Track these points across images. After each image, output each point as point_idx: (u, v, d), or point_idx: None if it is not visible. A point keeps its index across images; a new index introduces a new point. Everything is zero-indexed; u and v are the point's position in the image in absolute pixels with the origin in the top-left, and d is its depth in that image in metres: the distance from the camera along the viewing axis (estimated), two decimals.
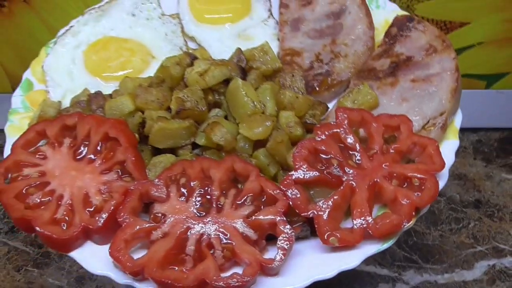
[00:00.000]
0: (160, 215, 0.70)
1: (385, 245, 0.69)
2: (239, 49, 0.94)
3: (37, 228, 0.70)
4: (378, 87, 0.88)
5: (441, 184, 0.73)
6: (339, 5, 1.02)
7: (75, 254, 0.70)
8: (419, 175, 0.71)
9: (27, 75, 1.00)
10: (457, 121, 0.83)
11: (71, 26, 1.06)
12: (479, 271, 1.17)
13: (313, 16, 1.03)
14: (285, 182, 0.70)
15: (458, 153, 1.39)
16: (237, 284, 0.61)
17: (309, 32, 1.01)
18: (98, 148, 0.78)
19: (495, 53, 1.36)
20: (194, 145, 0.83)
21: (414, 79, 0.86)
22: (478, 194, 1.32)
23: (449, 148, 0.79)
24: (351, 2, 1.01)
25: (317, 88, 0.92)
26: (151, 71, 0.97)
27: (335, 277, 1.13)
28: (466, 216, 1.27)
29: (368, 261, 1.17)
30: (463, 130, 1.44)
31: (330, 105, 0.91)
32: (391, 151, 0.74)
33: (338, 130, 0.75)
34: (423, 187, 0.70)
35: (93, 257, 0.70)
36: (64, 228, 0.71)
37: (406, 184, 0.72)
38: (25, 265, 1.22)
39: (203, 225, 0.68)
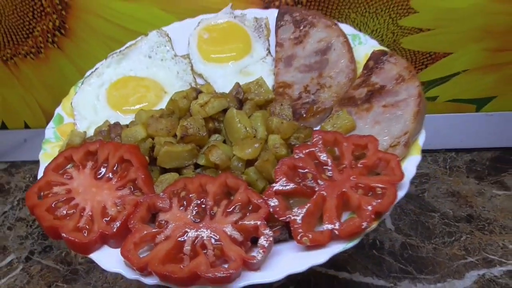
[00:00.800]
0: (163, 222, 0.83)
1: (350, 244, 0.79)
2: (237, 83, 1.07)
3: (63, 235, 0.83)
4: (355, 113, 1.00)
5: (402, 192, 0.84)
6: (325, 43, 1.14)
7: (94, 256, 0.83)
8: (381, 185, 0.82)
9: (59, 110, 1.14)
10: (421, 139, 0.93)
11: (96, 68, 1.20)
12: (470, 280, 1.23)
13: (304, 53, 1.15)
14: (267, 193, 0.83)
15: (452, 172, 1.50)
16: (223, 275, 0.74)
17: (299, 67, 1.13)
18: (115, 168, 0.91)
19: (480, 79, 1.45)
20: (197, 165, 0.96)
21: (385, 105, 0.98)
22: (470, 210, 1.39)
23: (411, 162, 0.90)
24: (335, 40, 1.13)
25: (304, 115, 1.04)
26: (163, 104, 1.10)
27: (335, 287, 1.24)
28: (459, 230, 1.34)
29: (366, 273, 1.28)
30: (457, 151, 1.56)
31: (316, 129, 1.04)
32: (359, 165, 0.86)
33: (314, 149, 0.88)
34: (384, 195, 0.82)
35: (108, 258, 0.83)
36: (85, 234, 0.84)
37: (371, 193, 0.83)
38: (56, 281, 1.33)
39: (198, 230, 0.81)
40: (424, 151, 1.56)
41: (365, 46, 1.14)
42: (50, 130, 1.10)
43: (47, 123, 1.13)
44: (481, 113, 1.54)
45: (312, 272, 1.28)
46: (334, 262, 1.29)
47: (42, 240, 1.45)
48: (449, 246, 1.32)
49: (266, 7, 1.35)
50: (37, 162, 1.04)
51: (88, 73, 1.20)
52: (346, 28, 1.18)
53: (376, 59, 1.07)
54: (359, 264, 1.29)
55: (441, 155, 1.56)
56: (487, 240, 1.32)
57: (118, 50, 1.24)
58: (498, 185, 1.46)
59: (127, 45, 1.26)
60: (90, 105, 1.14)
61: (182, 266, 0.77)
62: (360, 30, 1.32)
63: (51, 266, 1.37)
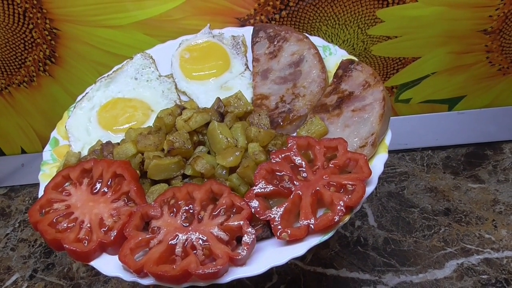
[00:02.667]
0: (156, 228, 0.90)
1: (326, 237, 0.87)
2: (218, 98, 1.14)
3: (66, 246, 0.89)
4: (327, 118, 1.08)
5: (371, 188, 0.92)
6: (298, 55, 1.22)
7: (94, 263, 0.90)
8: (351, 182, 0.90)
9: (54, 134, 1.20)
10: (387, 139, 1.01)
11: (87, 93, 1.26)
12: (449, 269, 1.31)
13: (279, 67, 1.22)
14: (248, 195, 0.91)
15: (429, 169, 1.59)
16: (212, 271, 0.81)
17: (275, 80, 1.20)
18: (109, 183, 0.98)
19: (449, 80, 1.54)
20: (184, 176, 1.03)
21: (354, 109, 1.05)
22: (447, 203, 1.47)
23: (379, 160, 0.97)
24: (307, 52, 1.21)
25: (281, 123, 1.11)
26: (151, 122, 1.17)
27: (323, 284, 1.32)
28: (437, 223, 1.42)
29: (352, 268, 1.35)
30: (433, 149, 1.64)
31: (293, 135, 1.12)
32: (331, 166, 0.94)
33: (289, 153, 0.96)
34: (354, 191, 0.90)
35: (107, 264, 0.89)
36: (85, 244, 0.90)
37: (342, 190, 0.91)
38: None
39: (187, 233, 0.88)
40: (402, 151, 1.67)
41: (335, 56, 1.22)
42: (47, 153, 1.16)
43: (43, 147, 1.18)
44: (453, 112, 1.63)
45: (301, 270, 1.35)
46: (322, 260, 1.38)
47: (45, 258, 1.51)
48: (429, 239, 1.39)
49: (242, 25, 1.44)
50: (35, 185, 1.11)
51: (79, 97, 1.27)
52: (317, 40, 1.26)
53: (344, 67, 1.15)
54: (345, 261, 1.37)
55: (418, 154, 1.65)
56: (464, 231, 1.40)
57: (106, 74, 1.30)
58: (473, 179, 1.54)
59: (114, 69, 1.32)
60: (83, 127, 1.20)
61: (174, 266, 0.84)
62: (331, 41, 1.42)
63: (55, 282, 1.44)
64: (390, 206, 1.49)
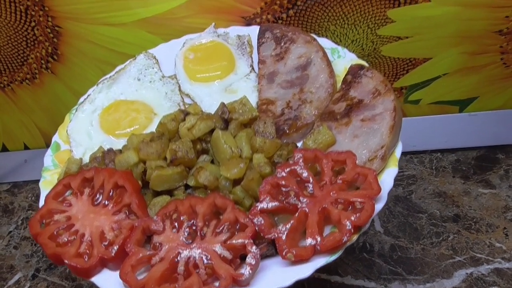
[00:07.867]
0: (158, 244, 0.88)
1: (333, 258, 0.84)
2: (222, 103, 1.10)
3: (66, 261, 0.88)
4: (335, 127, 1.04)
5: (380, 205, 0.88)
6: (305, 58, 1.18)
7: (95, 279, 0.88)
8: (359, 199, 0.87)
9: (55, 138, 1.17)
10: (397, 152, 0.97)
11: (89, 95, 1.23)
12: (458, 279, 1.28)
13: (285, 69, 1.18)
14: (253, 212, 0.88)
15: (438, 173, 1.55)
16: None
17: (281, 83, 1.17)
18: (110, 194, 0.95)
19: (461, 81, 1.50)
20: (187, 186, 1.00)
21: (363, 119, 1.02)
22: (456, 209, 1.44)
23: (389, 175, 0.94)
24: (315, 55, 1.17)
25: (287, 131, 1.08)
26: (153, 126, 1.14)
27: None
28: (446, 230, 1.39)
29: (357, 275, 1.33)
30: (443, 151, 1.60)
31: (299, 144, 1.07)
32: (339, 181, 0.91)
33: (295, 167, 0.93)
34: (362, 209, 0.87)
35: (108, 281, 0.87)
36: (86, 259, 0.88)
37: (350, 207, 0.88)
38: None
39: (190, 250, 0.86)
40: (410, 153, 1.63)
41: (344, 59, 1.18)
42: (48, 158, 1.13)
43: (46, 143, 1.17)
44: (464, 114, 1.58)
45: None
46: (326, 266, 1.35)
47: (46, 258, 1.50)
48: (437, 246, 1.35)
49: (248, 24, 1.40)
50: (38, 181, 1.09)
51: (81, 99, 1.24)
52: (325, 42, 1.22)
53: (353, 73, 1.11)
54: (350, 268, 1.34)
55: (427, 156, 1.61)
56: (474, 239, 1.36)
57: (108, 76, 1.27)
58: (484, 183, 1.50)
59: (117, 69, 1.29)
60: (84, 131, 1.17)
61: (176, 286, 0.82)
62: (340, 41, 1.38)
63: (57, 283, 1.43)
64: (397, 211, 1.46)
